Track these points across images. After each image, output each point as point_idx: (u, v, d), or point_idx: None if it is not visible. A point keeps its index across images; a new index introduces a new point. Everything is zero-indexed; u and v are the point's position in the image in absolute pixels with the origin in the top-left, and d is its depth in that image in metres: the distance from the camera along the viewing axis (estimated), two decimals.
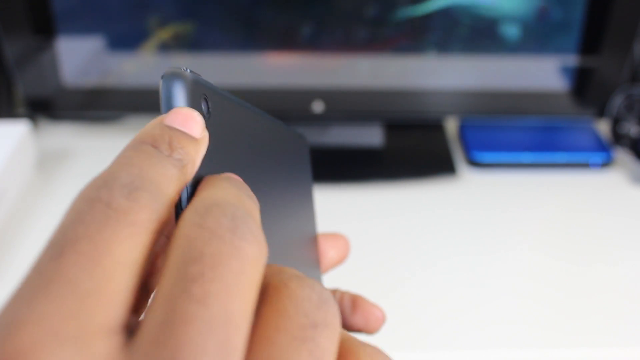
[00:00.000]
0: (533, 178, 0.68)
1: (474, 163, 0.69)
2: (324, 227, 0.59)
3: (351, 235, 0.59)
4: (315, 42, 0.64)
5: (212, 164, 0.20)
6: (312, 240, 0.31)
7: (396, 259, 0.57)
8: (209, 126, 0.20)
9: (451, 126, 0.76)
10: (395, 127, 0.74)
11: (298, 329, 0.16)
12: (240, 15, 0.62)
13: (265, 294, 0.17)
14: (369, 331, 0.30)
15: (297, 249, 0.28)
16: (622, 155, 0.69)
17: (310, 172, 0.32)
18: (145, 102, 0.66)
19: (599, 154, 0.69)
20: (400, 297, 0.53)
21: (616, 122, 0.69)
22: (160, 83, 0.19)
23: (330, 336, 0.17)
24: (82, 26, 0.63)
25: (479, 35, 0.63)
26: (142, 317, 0.16)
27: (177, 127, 0.18)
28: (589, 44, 0.64)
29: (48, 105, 0.66)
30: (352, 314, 0.30)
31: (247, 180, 0.21)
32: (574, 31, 0.64)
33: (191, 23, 0.62)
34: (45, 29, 0.62)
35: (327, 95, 0.66)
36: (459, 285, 0.54)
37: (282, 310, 0.16)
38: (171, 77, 0.19)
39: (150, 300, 0.17)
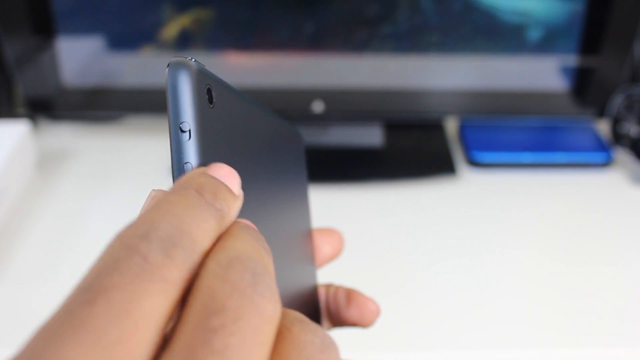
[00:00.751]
0: (533, 178, 0.68)
1: (474, 163, 0.69)
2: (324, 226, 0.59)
3: (351, 235, 0.59)
4: (316, 42, 0.64)
5: (214, 156, 0.20)
6: (307, 235, 0.31)
7: (396, 259, 0.57)
8: (212, 117, 0.20)
9: (451, 126, 0.76)
10: (395, 127, 0.74)
11: None
12: (241, 15, 0.62)
13: None
14: (364, 324, 0.31)
15: (293, 244, 0.28)
16: (622, 155, 0.69)
17: (305, 167, 0.32)
18: (145, 102, 0.66)
19: (599, 154, 0.69)
20: (400, 297, 0.53)
21: (616, 122, 0.69)
22: (166, 72, 0.19)
23: None
24: (82, 26, 0.63)
25: (479, 34, 0.63)
26: None
27: (220, 179, 0.19)
28: (589, 44, 0.64)
29: (48, 105, 0.66)
30: (347, 308, 0.31)
31: (244, 173, 0.21)
32: (574, 31, 0.64)
33: (210, 9, 0.62)
34: (45, 29, 0.62)
35: (327, 95, 0.66)
36: (459, 285, 0.54)
37: (285, 356, 0.17)
38: (176, 66, 0.19)
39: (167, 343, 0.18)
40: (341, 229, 0.34)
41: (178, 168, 0.20)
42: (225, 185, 0.19)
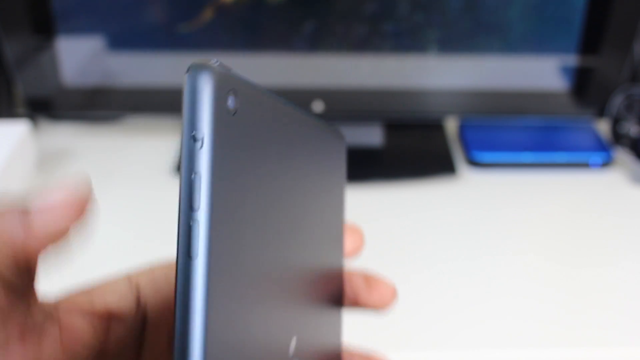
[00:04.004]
0: (533, 178, 0.68)
1: (474, 163, 0.69)
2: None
3: None
4: (315, 42, 0.64)
5: (228, 166, 0.19)
6: (339, 228, 0.32)
7: (396, 259, 0.57)
8: (234, 124, 0.19)
9: (451, 126, 0.76)
10: (395, 127, 0.74)
11: None
12: (240, 15, 0.62)
13: None
14: (383, 308, 0.32)
15: (327, 235, 0.29)
16: (622, 155, 0.69)
17: (345, 168, 0.31)
18: (145, 102, 0.66)
19: (599, 154, 0.69)
20: (400, 297, 0.53)
21: (616, 122, 0.69)
22: (185, 77, 0.18)
23: None
24: (82, 26, 0.63)
25: (479, 33, 0.63)
26: None
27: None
28: (589, 44, 0.64)
29: (48, 105, 0.66)
30: (368, 292, 0.31)
31: (278, 174, 0.21)
32: (574, 31, 0.64)
33: None
34: (45, 29, 0.62)
35: (327, 95, 0.66)
36: (459, 285, 0.54)
37: None
38: (197, 69, 0.18)
39: None
40: None
41: (186, 177, 0.18)
42: None
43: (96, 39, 0.63)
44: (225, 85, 0.19)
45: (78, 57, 0.64)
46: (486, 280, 0.55)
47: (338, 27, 0.63)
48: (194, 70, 0.18)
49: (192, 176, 0.18)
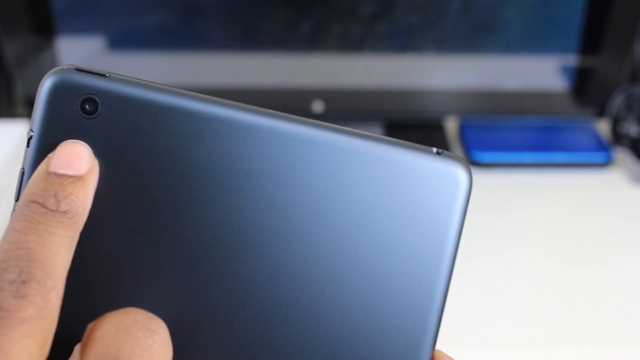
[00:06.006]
0: (533, 178, 0.68)
1: (474, 163, 0.69)
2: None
3: None
4: (315, 42, 0.64)
5: (107, 163, 0.20)
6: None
7: None
8: (92, 125, 0.20)
9: (451, 126, 0.76)
10: (395, 126, 0.74)
11: None
12: (238, 15, 0.62)
13: None
14: None
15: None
16: (622, 155, 0.69)
17: (452, 219, 0.23)
18: None
19: (599, 154, 0.69)
20: None
21: (616, 122, 0.69)
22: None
23: None
24: (82, 26, 0.63)
25: (478, 32, 0.63)
26: None
27: (62, 171, 0.19)
28: (589, 44, 0.64)
29: None
30: None
31: (154, 177, 0.21)
32: (574, 31, 0.64)
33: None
34: (45, 29, 0.62)
35: (326, 95, 0.66)
36: (459, 285, 0.54)
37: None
38: (48, 75, 0.20)
39: None
40: None
41: (20, 171, 0.21)
42: (67, 176, 0.19)
43: (96, 39, 0.63)
44: (77, 90, 0.20)
45: (78, 57, 0.64)
46: (486, 280, 0.55)
47: (337, 27, 0.63)
48: (46, 76, 0.20)
49: (21, 170, 0.21)
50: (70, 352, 0.19)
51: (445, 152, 0.22)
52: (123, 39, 0.63)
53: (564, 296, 0.53)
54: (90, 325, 0.18)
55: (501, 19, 0.63)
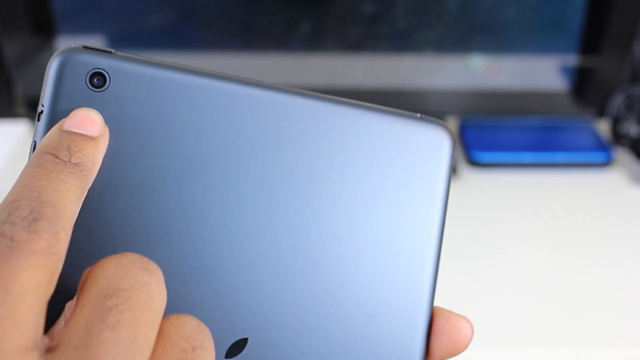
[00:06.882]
0: (533, 178, 0.68)
1: (474, 163, 0.69)
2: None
3: None
4: (314, 42, 0.64)
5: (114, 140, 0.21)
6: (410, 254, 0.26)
7: None
8: (100, 98, 0.21)
9: (451, 126, 0.75)
10: None
11: (181, 350, 0.18)
12: (238, 15, 0.62)
13: None
14: (455, 353, 0.25)
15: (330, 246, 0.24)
16: (622, 155, 0.69)
17: (438, 176, 0.24)
18: None
19: (599, 153, 0.69)
20: None
21: (616, 122, 0.69)
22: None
23: (208, 357, 0.19)
24: (82, 26, 0.63)
25: (477, 32, 0.63)
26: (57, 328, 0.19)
27: (75, 130, 0.20)
28: (589, 44, 0.64)
29: None
30: (433, 336, 0.25)
31: (160, 149, 0.21)
32: (574, 31, 0.64)
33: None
34: (45, 29, 0.62)
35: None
36: (459, 285, 0.54)
37: (166, 337, 0.18)
38: (57, 54, 0.21)
39: (62, 318, 0.20)
40: None
41: (32, 145, 0.21)
42: (81, 135, 0.20)
43: (96, 39, 0.63)
44: (83, 67, 0.21)
45: None
46: (486, 280, 0.55)
47: (336, 28, 0.63)
48: (56, 54, 0.21)
49: (32, 143, 0.21)
50: (62, 309, 0.20)
51: (428, 117, 0.24)
52: (123, 39, 0.63)
53: (564, 296, 0.53)
54: (87, 270, 0.19)
55: (501, 19, 0.63)
